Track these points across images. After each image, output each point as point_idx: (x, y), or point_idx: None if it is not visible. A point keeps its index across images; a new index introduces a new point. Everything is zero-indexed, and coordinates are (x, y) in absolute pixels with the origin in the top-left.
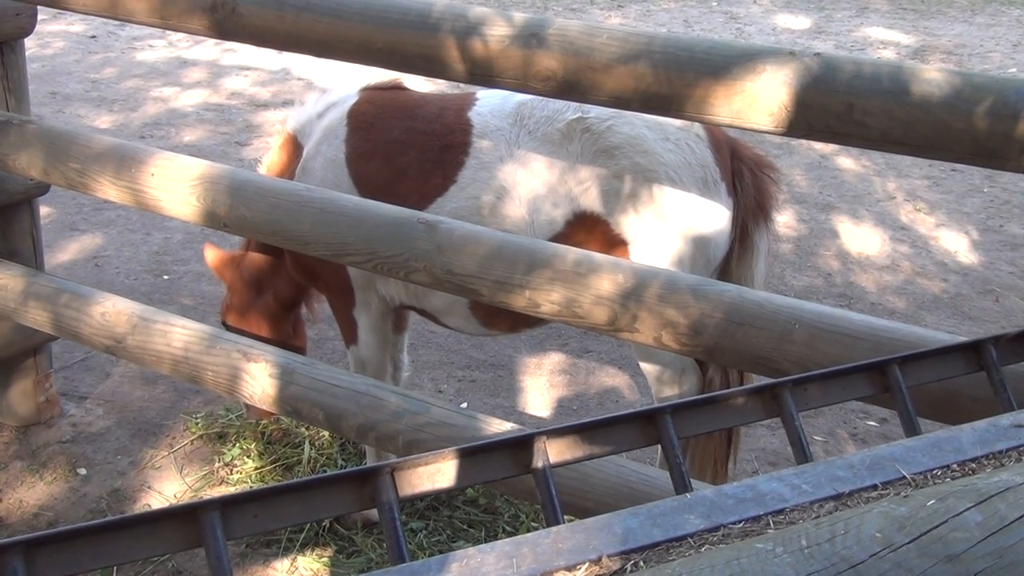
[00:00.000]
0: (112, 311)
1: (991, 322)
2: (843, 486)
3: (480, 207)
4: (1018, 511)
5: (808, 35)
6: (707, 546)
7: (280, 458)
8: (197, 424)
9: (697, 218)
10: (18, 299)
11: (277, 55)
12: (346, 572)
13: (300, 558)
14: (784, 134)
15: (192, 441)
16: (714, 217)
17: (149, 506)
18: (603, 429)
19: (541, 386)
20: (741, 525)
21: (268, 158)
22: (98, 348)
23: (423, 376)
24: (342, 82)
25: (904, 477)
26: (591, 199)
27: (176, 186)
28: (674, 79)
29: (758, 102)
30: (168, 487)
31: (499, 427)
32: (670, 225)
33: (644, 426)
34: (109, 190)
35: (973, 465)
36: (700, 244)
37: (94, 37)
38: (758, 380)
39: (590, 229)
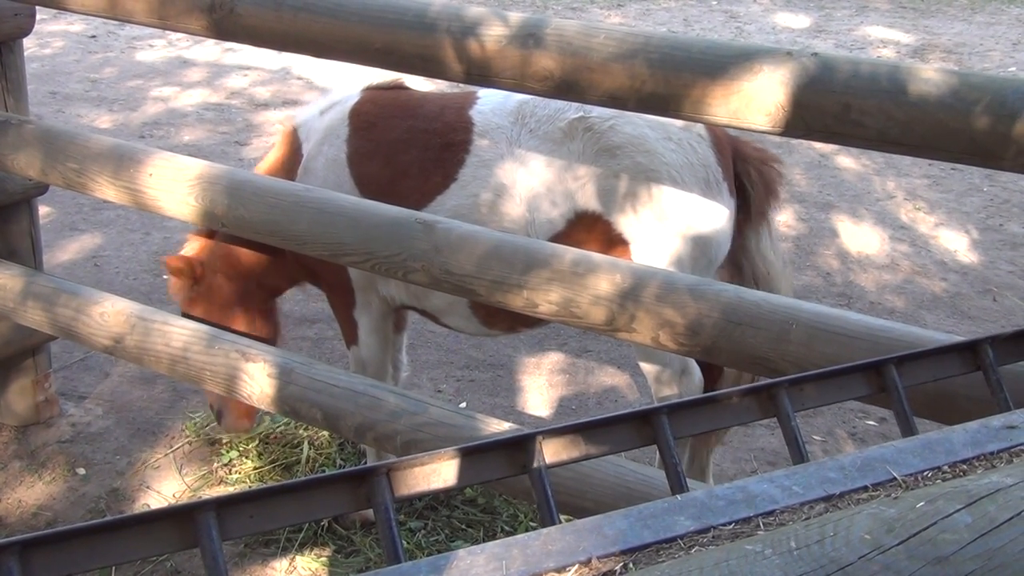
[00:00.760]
0: (111, 311)
1: (991, 321)
2: (833, 488)
3: (480, 205)
4: (1008, 513)
5: (808, 34)
6: (697, 547)
7: (279, 458)
8: (195, 424)
9: (699, 218)
10: (17, 299)
11: (277, 55)
12: (344, 572)
13: (299, 558)
14: (781, 134)
15: (191, 441)
16: (716, 217)
17: (148, 506)
18: (600, 429)
19: (540, 386)
20: (731, 526)
21: (267, 156)
22: (97, 348)
23: (422, 376)
24: (345, 82)
25: (895, 479)
26: (592, 198)
27: (174, 186)
28: (671, 79)
29: (755, 102)
30: (167, 487)
31: (498, 427)
32: (672, 225)
33: (640, 426)
34: (108, 190)
35: (964, 467)
36: (702, 244)
37: (94, 37)
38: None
39: (590, 228)
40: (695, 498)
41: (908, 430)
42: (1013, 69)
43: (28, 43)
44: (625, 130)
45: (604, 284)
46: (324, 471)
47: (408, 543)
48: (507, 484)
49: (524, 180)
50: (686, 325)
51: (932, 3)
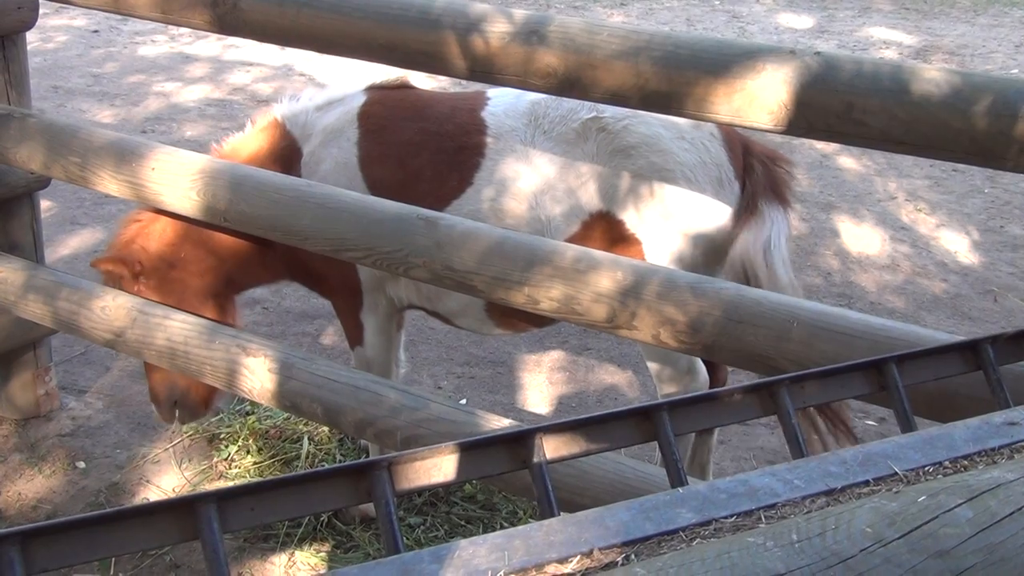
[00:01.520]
0: (112, 305)
1: (991, 322)
2: (835, 482)
3: (497, 208)
4: (1009, 508)
5: (810, 34)
6: (699, 540)
7: (278, 453)
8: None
9: (712, 217)
10: (18, 292)
11: (279, 51)
12: (343, 567)
13: (298, 552)
14: (784, 132)
15: (191, 436)
16: (728, 216)
17: (147, 500)
18: (600, 425)
19: (540, 383)
20: (733, 519)
21: (241, 139)
22: (98, 342)
23: (422, 372)
24: (342, 80)
25: (896, 473)
26: (608, 199)
27: (177, 180)
28: (674, 77)
29: (758, 100)
30: (166, 481)
31: (497, 423)
32: (686, 224)
33: (641, 422)
34: (110, 184)
35: (965, 462)
36: (715, 243)
37: (96, 32)
38: None
39: (606, 229)
40: (697, 491)
41: (908, 429)
42: (1016, 71)
43: (31, 37)
44: (639, 130)
45: (605, 281)
46: (324, 467)
47: (407, 539)
48: (507, 480)
49: (540, 182)
50: (687, 323)
51: (935, 5)
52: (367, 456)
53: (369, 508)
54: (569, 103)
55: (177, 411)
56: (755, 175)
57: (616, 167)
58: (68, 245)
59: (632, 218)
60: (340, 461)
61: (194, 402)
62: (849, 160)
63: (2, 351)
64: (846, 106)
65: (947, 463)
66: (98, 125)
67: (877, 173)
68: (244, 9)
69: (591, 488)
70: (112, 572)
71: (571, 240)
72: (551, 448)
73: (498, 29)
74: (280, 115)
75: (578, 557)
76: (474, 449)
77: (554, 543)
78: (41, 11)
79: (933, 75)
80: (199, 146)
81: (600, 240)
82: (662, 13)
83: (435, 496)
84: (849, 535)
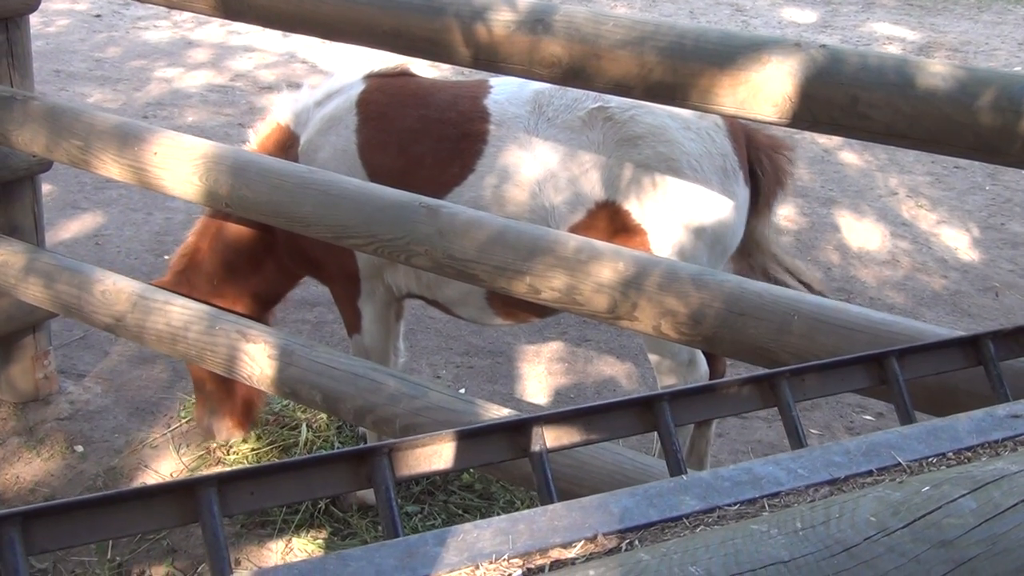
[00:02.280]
0: (112, 289)
1: (990, 319)
2: (839, 471)
3: (499, 196)
4: (1012, 499)
5: (814, 29)
6: (702, 527)
7: (277, 440)
8: (194, 405)
9: (717, 206)
10: (18, 275)
11: (282, 38)
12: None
13: (295, 539)
14: (788, 125)
15: (189, 421)
16: (732, 205)
17: (145, 484)
18: (600, 415)
19: (539, 373)
20: (737, 507)
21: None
22: (98, 326)
23: (421, 362)
24: (340, 70)
25: (899, 464)
26: (613, 188)
27: (179, 165)
28: (679, 68)
29: (763, 92)
30: (164, 466)
31: (496, 413)
32: (691, 213)
33: (641, 413)
34: (112, 168)
35: (969, 453)
36: (720, 232)
37: (99, 16)
38: None
39: (611, 218)
40: (701, 479)
41: (908, 423)
42: (1019, 68)
43: (33, 21)
44: (646, 120)
45: (607, 272)
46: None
47: (405, 527)
48: (505, 469)
49: (544, 170)
50: (688, 314)
51: (938, 1)
52: (365, 444)
53: (366, 495)
54: (573, 92)
55: (216, 435)
56: (765, 171)
57: (622, 156)
58: (69, 229)
59: (637, 208)
60: (339, 448)
61: (229, 425)
62: (851, 155)
63: (2, 334)
64: (851, 99)
65: (951, 454)
66: (100, 109)
67: (878, 169)
68: None
69: (589, 479)
70: (109, 556)
71: (575, 229)
72: (552, 437)
73: (503, 17)
74: (283, 120)
75: (582, 542)
76: (475, 437)
77: (558, 528)
78: None
79: (938, 69)
80: (200, 132)
81: (604, 229)
82: (665, 6)
83: (433, 485)
84: (853, 524)
